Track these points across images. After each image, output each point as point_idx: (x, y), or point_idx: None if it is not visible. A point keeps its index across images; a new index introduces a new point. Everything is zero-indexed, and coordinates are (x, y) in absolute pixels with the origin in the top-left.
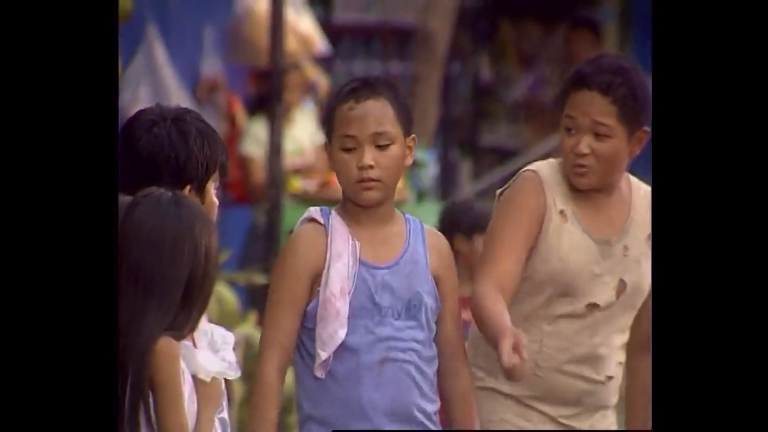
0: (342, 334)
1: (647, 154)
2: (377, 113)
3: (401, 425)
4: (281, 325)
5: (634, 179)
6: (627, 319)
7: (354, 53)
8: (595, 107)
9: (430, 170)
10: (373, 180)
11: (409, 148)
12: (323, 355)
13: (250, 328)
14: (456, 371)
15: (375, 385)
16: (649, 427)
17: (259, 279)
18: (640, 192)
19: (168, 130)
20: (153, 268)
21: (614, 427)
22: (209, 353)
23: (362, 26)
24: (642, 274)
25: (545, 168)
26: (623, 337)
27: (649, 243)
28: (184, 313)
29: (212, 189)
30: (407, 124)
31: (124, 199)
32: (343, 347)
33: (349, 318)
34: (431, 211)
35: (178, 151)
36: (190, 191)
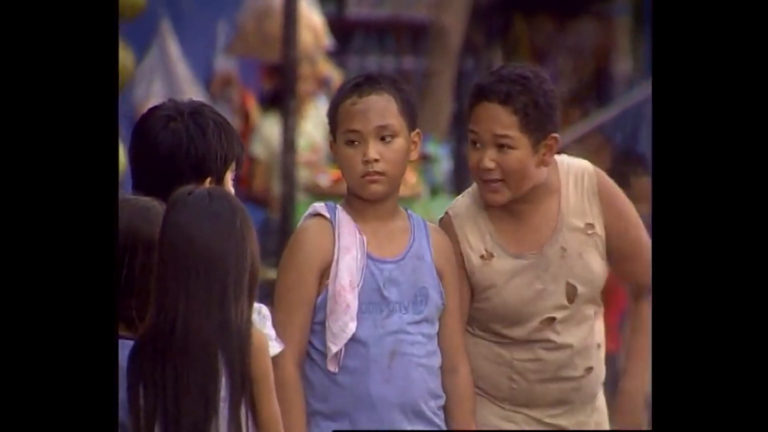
0: (353, 327)
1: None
2: (380, 107)
3: (410, 419)
4: (294, 321)
5: (563, 162)
6: (590, 308)
7: (367, 48)
8: (496, 119)
9: (444, 165)
10: (378, 173)
11: (414, 142)
12: (334, 348)
13: None
14: (456, 368)
15: (384, 378)
16: (647, 382)
17: (273, 274)
18: (569, 180)
19: (186, 124)
20: (223, 263)
21: (603, 416)
22: None
23: (375, 21)
24: (587, 266)
25: (462, 206)
26: (592, 321)
27: (588, 227)
28: (250, 303)
29: (230, 181)
30: (412, 118)
31: (140, 199)
32: (352, 341)
33: (357, 312)
34: (445, 206)
35: (197, 146)
36: (210, 184)
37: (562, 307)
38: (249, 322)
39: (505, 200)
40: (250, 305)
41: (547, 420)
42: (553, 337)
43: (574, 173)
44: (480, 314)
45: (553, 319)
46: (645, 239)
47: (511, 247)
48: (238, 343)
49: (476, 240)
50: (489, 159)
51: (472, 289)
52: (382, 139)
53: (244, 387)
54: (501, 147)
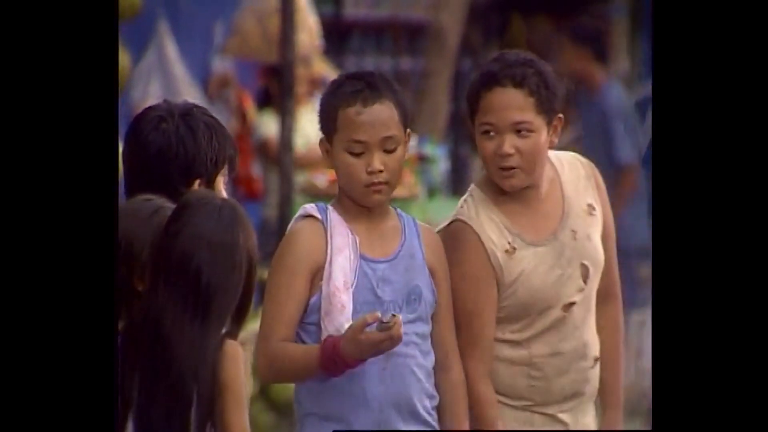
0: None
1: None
2: (385, 117)
3: (405, 419)
4: (282, 314)
5: (551, 156)
6: (595, 294)
7: (364, 49)
8: (513, 103)
9: (441, 166)
10: (382, 183)
11: (405, 143)
12: None
13: None
14: (448, 366)
15: (380, 378)
16: (620, 385)
17: None
18: (563, 165)
19: (176, 125)
20: (216, 276)
21: (592, 414)
22: None
23: (373, 22)
24: (596, 247)
25: (472, 208)
26: (594, 312)
27: (590, 209)
28: (238, 317)
29: (221, 183)
30: (406, 121)
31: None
32: None
33: (351, 312)
34: (442, 207)
35: (186, 147)
36: (199, 186)
37: (580, 290)
38: (234, 331)
39: (522, 184)
40: (240, 318)
41: (560, 416)
42: (571, 322)
43: (567, 161)
44: (503, 312)
45: (573, 303)
46: (614, 243)
47: (527, 236)
48: (214, 354)
49: (497, 236)
50: (509, 145)
51: (498, 287)
52: (385, 148)
53: (212, 400)
54: (519, 132)
